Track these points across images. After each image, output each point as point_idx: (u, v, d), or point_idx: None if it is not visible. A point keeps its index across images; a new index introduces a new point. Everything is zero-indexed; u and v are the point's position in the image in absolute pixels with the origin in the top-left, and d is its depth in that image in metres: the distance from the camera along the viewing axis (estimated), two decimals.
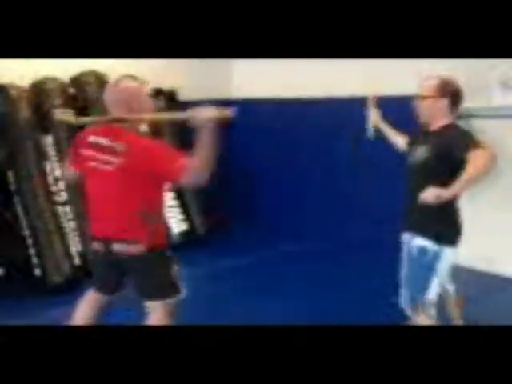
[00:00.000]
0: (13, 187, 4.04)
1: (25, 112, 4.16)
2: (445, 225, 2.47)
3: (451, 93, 2.45)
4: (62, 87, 4.48)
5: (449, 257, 2.47)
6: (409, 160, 2.58)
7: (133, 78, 2.49)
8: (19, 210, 4.01)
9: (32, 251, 3.96)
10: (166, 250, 2.44)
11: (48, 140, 4.27)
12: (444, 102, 2.43)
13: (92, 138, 2.38)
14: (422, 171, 2.46)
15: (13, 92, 4.14)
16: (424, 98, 2.47)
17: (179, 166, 2.20)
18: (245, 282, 4.08)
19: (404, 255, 2.60)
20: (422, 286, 2.47)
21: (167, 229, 2.60)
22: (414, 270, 2.50)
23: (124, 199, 2.31)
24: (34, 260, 3.95)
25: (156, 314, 2.41)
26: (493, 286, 3.20)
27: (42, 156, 4.18)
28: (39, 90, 4.35)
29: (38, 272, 3.94)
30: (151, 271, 2.40)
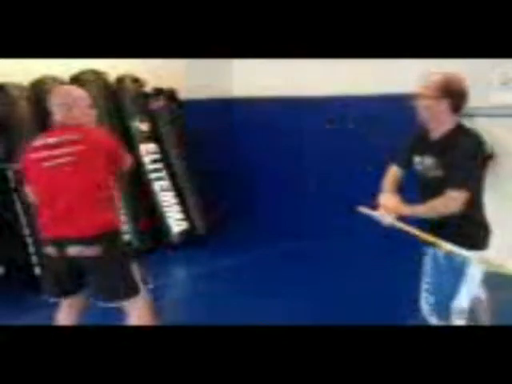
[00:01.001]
0: (12, 186, 4.04)
1: (25, 111, 4.16)
2: (472, 228, 2.30)
3: (454, 93, 2.22)
4: None
5: (480, 261, 2.27)
6: (417, 170, 2.39)
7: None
8: (19, 208, 4.01)
9: (32, 250, 3.96)
10: (119, 240, 2.47)
11: None
12: (445, 104, 2.22)
13: (40, 142, 2.44)
14: (434, 185, 2.28)
15: (13, 91, 4.14)
16: (424, 97, 2.26)
17: (124, 152, 2.56)
18: (244, 281, 4.08)
19: (427, 265, 2.42)
20: (450, 293, 2.29)
21: (118, 216, 2.66)
22: (441, 276, 2.32)
23: (84, 188, 2.35)
24: (34, 258, 3.95)
25: (132, 314, 2.41)
26: (493, 284, 3.18)
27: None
28: (39, 89, 4.34)
29: (37, 271, 3.93)
30: (107, 272, 2.39)
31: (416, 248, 2.47)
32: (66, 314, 2.54)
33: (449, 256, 2.28)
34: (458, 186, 2.18)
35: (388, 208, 2.35)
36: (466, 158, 2.20)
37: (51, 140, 2.41)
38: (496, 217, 3.56)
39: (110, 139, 2.53)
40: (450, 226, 2.27)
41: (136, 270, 2.43)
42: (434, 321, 2.40)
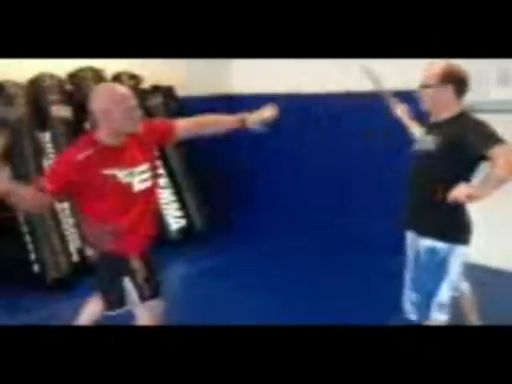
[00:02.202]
0: None
1: (22, 108, 4.15)
2: (454, 222, 2.28)
3: (456, 79, 2.25)
4: (60, 83, 4.46)
5: (461, 256, 2.28)
6: (414, 149, 2.39)
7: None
8: None
9: (30, 247, 3.96)
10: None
11: (45, 136, 4.27)
12: (449, 90, 2.24)
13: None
14: (428, 164, 2.27)
15: (10, 88, 4.13)
16: (426, 86, 2.28)
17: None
18: (244, 279, 4.08)
19: (409, 256, 2.41)
20: (432, 289, 2.27)
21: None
22: (423, 271, 2.30)
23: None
24: (32, 256, 3.95)
25: (140, 317, 2.37)
26: (483, 278, 3.19)
27: (39, 152, 4.17)
28: (36, 87, 4.34)
29: (36, 268, 3.93)
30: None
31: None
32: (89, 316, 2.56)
33: (430, 250, 2.26)
34: (495, 143, 2.04)
35: (464, 196, 2.10)
36: (473, 125, 2.18)
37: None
38: (493, 214, 3.59)
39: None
40: (433, 215, 2.24)
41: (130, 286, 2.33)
42: (413, 317, 2.38)
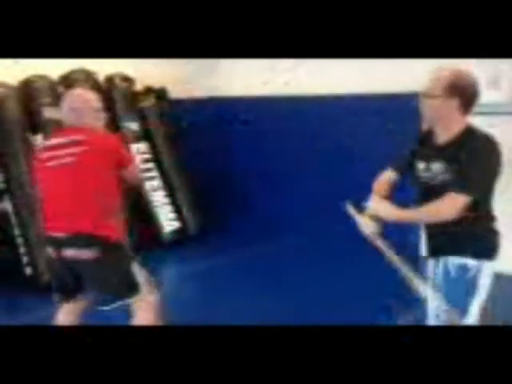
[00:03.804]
0: (2, 186, 4.02)
1: (13, 111, 4.14)
2: (482, 237, 2.10)
3: (464, 91, 1.98)
4: (52, 85, 4.46)
5: (490, 272, 2.12)
6: (422, 177, 2.15)
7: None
8: (9, 208, 3.99)
9: (22, 250, 3.95)
10: (120, 247, 2.45)
11: (37, 139, 4.25)
12: (455, 103, 1.98)
13: (48, 143, 2.54)
14: (443, 191, 2.03)
15: (1, 90, 4.12)
16: (429, 96, 2.02)
17: (131, 157, 2.71)
18: (237, 280, 4.08)
19: (439, 278, 2.18)
20: (463, 308, 2.10)
21: (123, 223, 2.63)
22: (452, 290, 2.11)
23: (84, 190, 2.37)
24: (25, 259, 3.93)
25: (136, 314, 2.42)
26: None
27: (31, 155, 4.16)
28: (28, 89, 4.33)
29: (28, 271, 3.92)
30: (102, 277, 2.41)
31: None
32: (65, 316, 2.54)
33: (461, 267, 2.09)
34: (460, 188, 1.96)
35: (378, 211, 2.15)
36: (474, 159, 1.97)
37: (56, 141, 2.48)
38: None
39: (114, 139, 2.59)
40: (457, 235, 2.08)
41: (138, 271, 2.46)
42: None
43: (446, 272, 2.13)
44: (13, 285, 3.88)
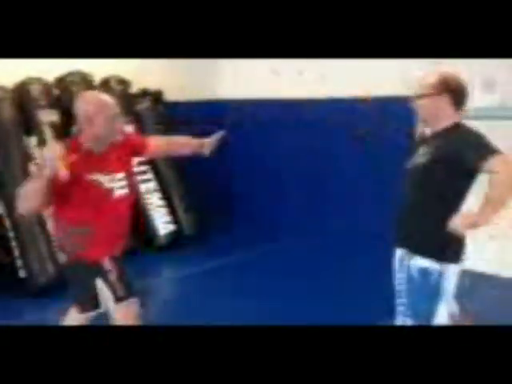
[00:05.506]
0: None
1: (9, 113, 4.13)
2: (447, 240, 2.10)
3: (453, 87, 2.14)
4: (47, 88, 4.45)
5: (454, 276, 2.16)
6: (408, 164, 2.25)
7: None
8: (3, 211, 3.97)
9: (16, 252, 3.93)
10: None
11: (32, 141, 4.24)
12: (445, 100, 2.14)
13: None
14: (421, 178, 2.15)
15: None
16: (422, 96, 2.17)
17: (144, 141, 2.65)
18: (232, 282, 4.08)
19: (400, 278, 2.24)
20: (428, 314, 2.14)
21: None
22: (416, 295, 2.16)
23: None
24: (19, 261, 3.91)
25: (116, 318, 2.37)
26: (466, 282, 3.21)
27: (25, 157, 4.15)
28: (23, 91, 4.31)
29: (22, 273, 3.90)
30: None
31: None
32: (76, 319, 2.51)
33: (423, 271, 2.14)
34: (491, 154, 1.97)
35: (470, 225, 2.01)
36: (468, 135, 2.09)
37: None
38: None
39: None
40: (427, 233, 2.14)
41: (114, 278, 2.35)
42: None
43: (410, 277, 2.18)
44: (6, 288, 3.86)
